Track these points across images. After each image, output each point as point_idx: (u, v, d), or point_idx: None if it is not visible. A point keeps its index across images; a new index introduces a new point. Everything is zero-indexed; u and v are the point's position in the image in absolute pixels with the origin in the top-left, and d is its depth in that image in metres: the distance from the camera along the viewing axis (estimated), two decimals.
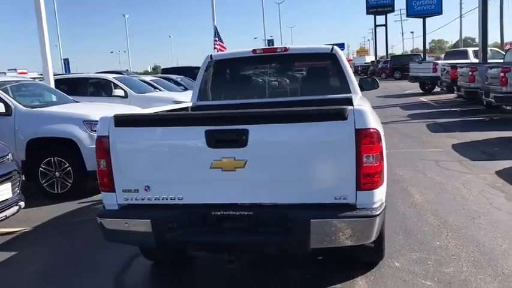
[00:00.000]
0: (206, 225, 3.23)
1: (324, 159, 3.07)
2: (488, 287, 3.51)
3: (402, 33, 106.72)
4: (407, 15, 43.60)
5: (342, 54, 5.13)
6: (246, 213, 3.15)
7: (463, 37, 56.97)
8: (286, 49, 5.20)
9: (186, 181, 3.24)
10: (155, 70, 75.82)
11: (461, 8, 54.26)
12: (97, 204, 6.37)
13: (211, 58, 5.33)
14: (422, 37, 39.09)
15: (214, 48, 12.60)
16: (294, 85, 5.36)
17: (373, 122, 3.04)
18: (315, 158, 3.08)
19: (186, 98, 11.61)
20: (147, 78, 14.35)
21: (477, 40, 22.28)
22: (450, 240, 4.40)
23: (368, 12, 63.43)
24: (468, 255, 4.07)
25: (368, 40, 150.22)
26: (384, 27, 62.90)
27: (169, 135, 3.24)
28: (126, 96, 11.18)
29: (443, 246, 4.28)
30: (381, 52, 65.92)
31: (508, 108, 12.48)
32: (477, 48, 21.12)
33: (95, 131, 6.70)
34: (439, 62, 21.70)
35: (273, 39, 54.11)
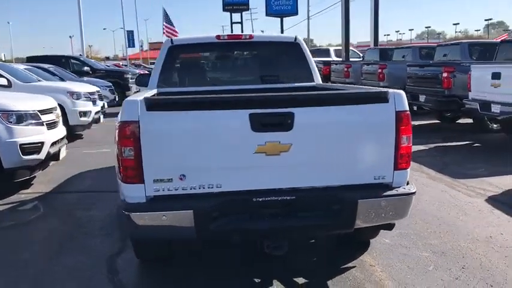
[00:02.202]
0: (248, 212, 3.12)
1: (366, 141, 3.18)
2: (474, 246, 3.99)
3: (252, 31, 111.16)
4: (266, 14, 45.28)
5: (304, 44, 5.28)
6: (289, 197, 3.10)
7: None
8: (251, 36, 5.17)
9: (225, 168, 3.06)
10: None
11: (308, 10, 58.46)
12: (18, 206, 5.66)
13: (171, 43, 5.05)
14: None
15: (164, 33, 11.67)
16: (259, 73, 5.33)
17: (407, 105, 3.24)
18: (357, 140, 3.17)
19: (80, 89, 10.74)
20: (21, 66, 12.81)
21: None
22: (418, 220, 4.82)
23: (224, 9, 64.67)
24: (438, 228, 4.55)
25: None
26: (239, 25, 64.77)
27: (209, 120, 3.03)
28: (10, 85, 9.89)
29: (413, 222, 4.70)
30: None
31: None
32: (338, 48, 23.10)
33: (11, 122, 6.01)
34: None
35: (132, 31, 52.19)
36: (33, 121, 6.18)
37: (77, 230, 4.79)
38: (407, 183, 3.32)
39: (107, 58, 75.73)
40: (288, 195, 3.11)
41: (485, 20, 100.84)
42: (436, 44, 15.80)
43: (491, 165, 7.07)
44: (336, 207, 3.12)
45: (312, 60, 5.29)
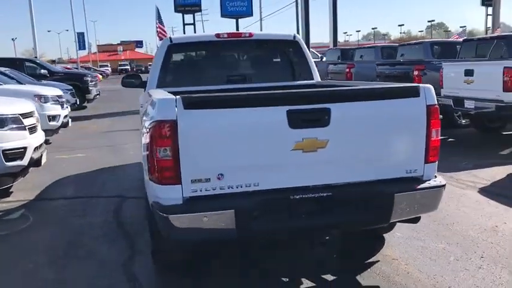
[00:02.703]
0: (287, 210, 3.07)
1: (399, 135, 3.21)
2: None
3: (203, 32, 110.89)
4: (221, 15, 45.28)
5: (303, 42, 5.28)
6: (327, 194, 3.08)
7: None
8: (251, 34, 5.11)
9: (263, 165, 3.01)
10: None
11: (260, 12, 58.86)
12: (3, 216, 5.35)
13: (171, 41, 4.91)
14: None
15: (158, 33, 11.13)
16: (259, 71, 5.26)
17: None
18: (391, 134, 3.20)
19: (48, 92, 10.29)
20: None
21: None
22: None
23: (176, 11, 64.18)
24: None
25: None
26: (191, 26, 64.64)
27: (247, 117, 2.96)
28: None
29: None
30: None
31: None
32: None
33: None
34: None
35: (83, 33, 50.70)
36: (15, 125, 5.85)
37: (79, 238, 4.57)
38: (435, 176, 3.38)
39: (53, 61, 73.13)
40: (325, 191, 3.09)
41: (428, 21, 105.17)
42: (397, 44, 16.24)
43: (472, 159, 7.33)
44: (373, 201, 3.13)
45: (311, 58, 5.31)
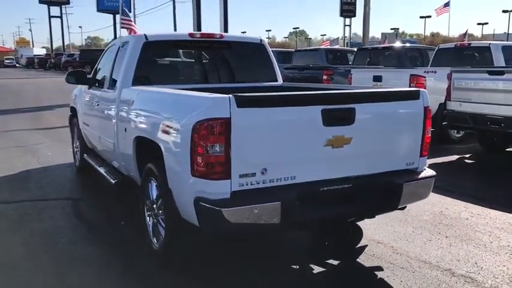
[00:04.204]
0: (318, 201, 3.36)
1: (405, 132, 3.70)
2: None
3: (68, 27, 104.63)
4: (98, 10, 43.63)
5: (268, 45, 5.56)
6: (349, 185, 3.43)
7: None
8: (222, 36, 5.27)
9: (300, 160, 3.26)
10: None
11: (134, 8, 57.43)
12: None
13: (146, 39, 4.85)
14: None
15: (122, 27, 9.82)
16: (229, 72, 5.39)
17: None
18: (398, 131, 3.67)
19: None
20: None
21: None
22: None
23: (41, 2, 60.31)
24: None
25: (30, 31, 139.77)
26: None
27: (289, 115, 3.18)
28: None
29: None
30: (43, 44, 65.17)
31: None
32: None
33: None
34: None
35: None
36: None
37: (56, 242, 4.32)
38: (425, 168, 3.93)
39: None
40: (347, 183, 3.44)
41: (293, 28, 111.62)
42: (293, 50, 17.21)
43: None
44: (386, 191, 3.56)
45: (275, 61, 5.61)
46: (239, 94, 3.03)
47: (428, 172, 3.83)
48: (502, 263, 3.88)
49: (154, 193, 3.87)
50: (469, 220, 4.94)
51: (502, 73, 7.07)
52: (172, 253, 3.71)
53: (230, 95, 2.99)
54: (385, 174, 3.61)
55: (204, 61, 5.50)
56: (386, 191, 3.57)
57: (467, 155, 8.47)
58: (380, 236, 4.47)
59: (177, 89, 4.32)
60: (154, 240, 3.91)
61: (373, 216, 4.05)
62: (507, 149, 8.77)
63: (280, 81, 5.58)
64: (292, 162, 3.24)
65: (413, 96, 3.69)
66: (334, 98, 3.42)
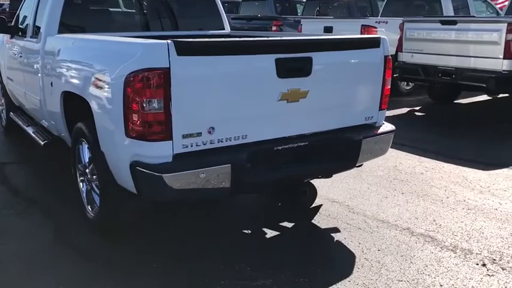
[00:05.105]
0: (272, 162, 3.04)
1: (363, 84, 3.39)
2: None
3: None
4: None
5: None
6: (305, 143, 3.13)
7: None
8: None
9: (251, 117, 2.89)
10: None
11: None
12: None
13: None
14: None
15: None
16: (169, 19, 4.84)
17: None
18: (357, 83, 3.36)
19: None
20: None
21: None
22: None
23: None
24: None
25: None
26: None
27: (239, 65, 2.78)
28: None
29: None
30: None
31: None
32: None
33: None
34: None
35: None
36: None
37: None
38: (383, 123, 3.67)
39: None
40: (305, 140, 3.14)
41: None
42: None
43: None
44: (344, 148, 3.28)
45: (222, 8, 5.13)
46: (180, 40, 2.59)
47: (387, 127, 3.58)
48: (460, 219, 3.75)
49: (86, 156, 3.42)
50: (423, 175, 4.81)
51: (454, 23, 6.89)
52: (108, 222, 3.31)
53: (169, 41, 2.54)
54: (343, 130, 3.32)
55: (145, 7, 4.92)
56: (344, 148, 3.29)
57: (417, 108, 8.42)
58: (335, 194, 4.25)
59: (111, 36, 3.79)
60: (89, 208, 3.49)
61: (331, 176, 3.79)
62: (455, 101, 8.79)
63: (228, 30, 5.13)
64: (242, 119, 2.87)
65: (374, 44, 3.37)
66: (290, 46, 3.03)
